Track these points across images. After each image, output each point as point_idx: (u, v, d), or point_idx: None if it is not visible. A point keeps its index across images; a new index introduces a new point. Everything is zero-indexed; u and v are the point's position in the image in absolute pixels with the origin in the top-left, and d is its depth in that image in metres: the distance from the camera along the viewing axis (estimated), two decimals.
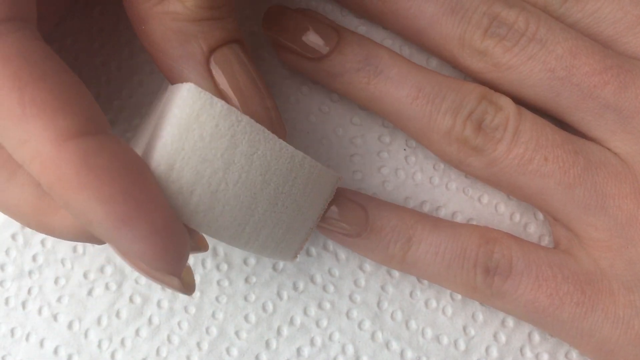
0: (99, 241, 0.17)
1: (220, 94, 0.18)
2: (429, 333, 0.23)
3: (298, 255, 0.21)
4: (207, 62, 0.18)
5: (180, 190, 0.16)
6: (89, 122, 0.15)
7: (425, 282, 0.23)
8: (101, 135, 0.15)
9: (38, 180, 0.15)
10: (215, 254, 0.23)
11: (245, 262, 0.23)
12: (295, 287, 0.23)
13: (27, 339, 0.23)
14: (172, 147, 0.16)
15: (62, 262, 0.23)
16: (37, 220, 0.17)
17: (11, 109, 0.14)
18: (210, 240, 0.23)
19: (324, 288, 0.23)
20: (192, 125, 0.16)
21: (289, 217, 0.19)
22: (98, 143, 0.14)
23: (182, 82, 0.18)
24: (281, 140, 0.18)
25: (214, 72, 0.18)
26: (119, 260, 0.23)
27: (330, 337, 0.23)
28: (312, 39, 0.22)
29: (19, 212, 0.17)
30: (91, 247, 0.23)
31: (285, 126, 0.19)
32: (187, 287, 0.17)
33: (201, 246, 0.19)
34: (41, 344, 0.23)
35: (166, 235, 0.15)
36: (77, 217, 0.15)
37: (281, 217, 0.19)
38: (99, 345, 0.23)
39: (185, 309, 0.23)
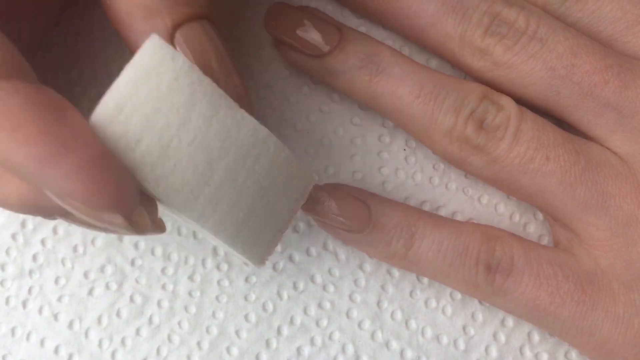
0: (47, 211, 0.17)
1: None
2: (429, 332, 0.23)
3: (266, 261, 0.20)
4: (172, 38, 0.17)
5: (126, 135, 0.16)
6: (1, 66, 0.14)
7: (425, 281, 0.23)
8: (16, 79, 0.15)
9: None
10: (215, 254, 0.24)
11: (245, 262, 0.23)
12: (295, 287, 0.23)
13: (27, 338, 0.23)
14: (124, 90, 0.16)
15: (63, 261, 0.23)
16: None
17: None
18: (210, 242, 0.23)
19: (324, 288, 0.23)
20: (150, 74, 0.16)
21: (252, 200, 0.18)
22: (11, 87, 0.14)
23: None
24: (244, 111, 0.17)
25: (178, 47, 0.17)
26: (119, 260, 0.23)
27: (330, 337, 0.23)
28: (314, 36, 0.22)
29: None
30: (92, 247, 0.23)
31: (252, 107, 0.19)
32: (137, 227, 0.16)
33: (157, 225, 0.18)
34: (42, 343, 0.23)
35: (97, 170, 0.14)
36: (3, 166, 0.15)
37: (242, 196, 0.18)
38: (100, 345, 0.23)
39: (186, 308, 0.23)
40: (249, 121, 0.17)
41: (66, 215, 0.17)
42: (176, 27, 0.17)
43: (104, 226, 0.16)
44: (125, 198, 0.15)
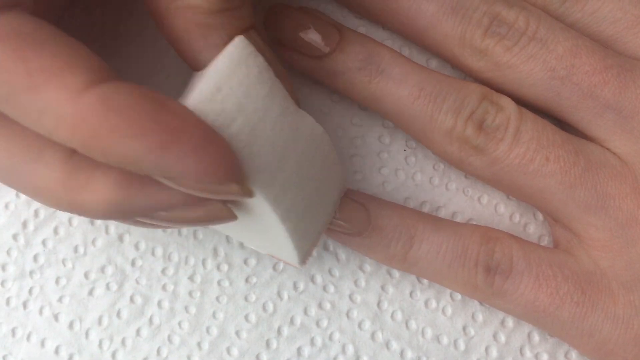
0: (130, 215, 0.17)
1: None
2: (429, 333, 0.23)
3: (307, 261, 0.21)
4: None
5: (223, 113, 0.17)
6: (97, 72, 0.15)
7: (425, 282, 0.23)
8: (112, 80, 0.15)
9: (70, 145, 0.15)
10: (215, 254, 0.24)
11: (245, 262, 0.24)
12: (295, 287, 0.23)
13: (28, 338, 0.23)
14: (221, 74, 0.17)
15: (63, 262, 0.23)
16: (68, 198, 0.17)
17: (21, 83, 0.14)
18: (210, 241, 0.24)
19: (324, 288, 0.23)
20: (241, 63, 0.17)
21: (309, 194, 0.19)
22: (112, 86, 0.15)
23: None
24: (302, 110, 0.19)
25: None
26: (120, 260, 0.23)
27: (330, 337, 0.23)
28: (314, 37, 0.22)
29: (49, 193, 0.17)
30: (92, 247, 0.24)
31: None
32: (247, 191, 0.17)
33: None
34: (42, 343, 0.23)
35: (210, 148, 0.15)
36: (121, 164, 0.15)
37: (304, 187, 0.19)
38: (100, 345, 0.23)
39: (186, 308, 0.23)
40: (309, 118, 0.19)
41: (151, 215, 0.17)
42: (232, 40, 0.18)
43: (219, 197, 0.16)
44: (236, 166, 0.16)
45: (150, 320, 0.23)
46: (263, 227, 0.20)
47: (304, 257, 0.20)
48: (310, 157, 0.19)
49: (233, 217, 0.18)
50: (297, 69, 0.23)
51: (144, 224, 0.18)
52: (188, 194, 0.16)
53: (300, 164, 0.19)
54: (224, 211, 0.17)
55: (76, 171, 0.16)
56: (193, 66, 0.18)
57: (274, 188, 0.18)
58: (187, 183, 0.15)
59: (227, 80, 0.17)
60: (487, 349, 0.23)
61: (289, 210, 0.19)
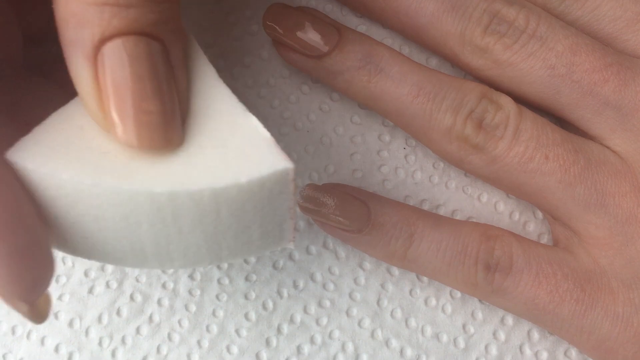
0: None
1: (98, 88, 0.16)
2: (429, 331, 0.23)
3: (292, 240, 0.18)
4: (95, 52, 0.16)
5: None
6: None
7: (425, 280, 0.23)
8: None
9: None
10: None
11: (245, 260, 0.24)
12: (295, 285, 0.23)
13: (28, 336, 0.23)
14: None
15: (63, 260, 0.23)
16: None
17: None
18: None
19: (324, 286, 0.23)
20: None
21: (237, 236, 0.17)
22: None
23: (69, 69, 0.16)
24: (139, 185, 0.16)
25: (99, 63, 0.16)
26: None
27: (330, 335, 0.23)
28: (313, 37, 0.22)
29: None
30: None
31: (180, 131, 0.17)
32: (38, 315, 0.16)
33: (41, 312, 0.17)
34: (42, 341, 0.23)
35: (19, 261, 0.14)
36: None
37: (221, 245, 0.17)
38: (100, 343, 0.23)
39: (186, 307, 0.23)
40: (146, 195, 0.16)
41: None
42: (104, 40, 0.15)
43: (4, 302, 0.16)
44: (37, 291, 0.15)
45: (150, 318, 0.23)
46: None
47: (277, 245, 0.18)
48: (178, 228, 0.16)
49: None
50: (296, 68, 0.23)
51: None
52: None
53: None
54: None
55: None
56: (66, 60, 0.16)
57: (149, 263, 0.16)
58: None
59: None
60: (486, 347, 0.23)
61: (204, 259, 0.17)
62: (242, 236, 0.17)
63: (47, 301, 0.17)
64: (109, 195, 0.15)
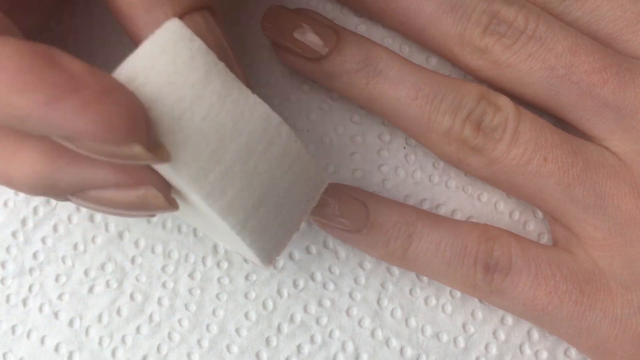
0: (57, 193, 0.16)
1: None
2: (429, 330, 0.23)
3: (273, 262, 0.19)
4: None
5: None
6: None
7: (425, 279, 0.23)
8: (2, 35, 0.14)
9: None
10: (215, 251, 0.24)
11: (245, 259, 0.24)
12: (295, 285, 0.23)
13: (28, 336, 0.23)
14: (140, 62, 0.16)
15: (63, 259, 0.23)
16: None
17: None
18: (210, 238, 0.24)
19: (324, 286, 0.24)
20: (166, 48, 0.16)
21: (262, 189, 0.18)
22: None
23: None
24: (256, 96, 0.17)
25: None
26: (119, 257, 0.23)
27: (330, 335, 0.23)
28: (311, 39, 0.22)
29: None
30: (92, 245, 0.24)
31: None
32: (160, 155, 0.16)
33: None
34: (42, 341, 0.23)
35: (103, 105, 0.14)
36: (9, 123, 0.14)
37: (252, 182, 0.17)
38: (100, 343, 0.23)
39: (186, 306, 0.23)
40: (262, 106, 0.17)
41: (81, 192, 0.17)
42: (179, 18, 0.17)
43: (115, 160, 0.15)
44: (139, 125, 0.15)
45: (150, 318, 0.23)
46: (214, 223, 0.19)
47: (266, 257, 0.19)
48: (262, 148, 0.17)
49: (171, 208, 0.17)
50: (295, 70, 0.23)
51: (84, 206, 0.18)
52: (119, 174, 0.16)
53: (247, 155, 0.17)
54: (158, 199, 0.16)
55: (3, 140, 0.16)
56: (136, 44, 0.17)
57: (207, 183, 0.17)
58: (82, 144, 0.15)
59: (145, 68, 0.16)
60: (486, 346, 0.23)
61: (231, 205, 0.17)
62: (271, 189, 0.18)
63: (157, 194, 0.17)
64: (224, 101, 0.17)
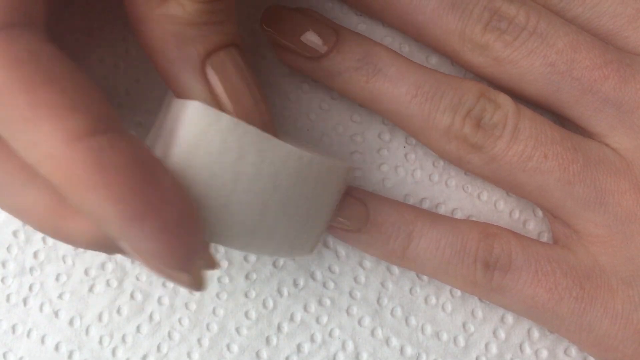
0: (112, 250, 0.17)
1: (214, 97, 0.18)
2: (429, 329, 0.23)
3: (315, 249, 0.21)
4: (203, 66, 0.18)
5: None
6: (99, 121, 0.15)
7: (425, 278, 0.23)
8: (112, 133, 0.15)
9: (50, 180, 0.14)
10: (215, 251, 0.24)
11: (245, 259, 0.24)
12: (295, 284, 0.23)
13: (28, 335, 0.23)
14: (180, 165, 0.16)
15: (63, 259, 0.24)
16: (53, 224, 0.16)
17: (21, 112, 0.14)
18: None
19: (324, 285, 0.23)
20: (199, 143, 0.16)
21: (302, 217, 0.19)
22: (109, 141, 0.14)
23: (177, 84, 0.18)
24: (288, 145, 0.18)
25: (209, 75, 0.18)
26: (119, 257, 0.24)
27: (330, 334, 0.23)
28: (311, 38, 0.22)
29: (35, 216, 0.17)
30: None
31: (275, 129, 0.19)
32: (197, 283, 0.17)
33: (211, 264, 0.19)
34: (42, 340, 0.23)
35: (178, 233, 0.15)
36: (89, 216, 0.15)
37: (293, 218, 0.19)
38: (100, 342, 0.23)
39: (186, 305, 0.23)
40: (294, 154, 0.18)
41: (130, 257, 0.17)
42: (208, 55, 0.18)
43: (164, 277, 0.16)
44: (195, 259, 0.16)
45: (151, 317, 0.23)
46: None
47: (309, 250, 0.21)
48: (299, 189, 0.18)
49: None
50: (294, 69, 0.23)
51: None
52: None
53: (287, 202, 0.18)
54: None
55: (64, 200, 0.16)
56: (164, 77, 0.18)
57: (255, 242, 0.18)
58: (141, 257, 0.15)
59: (187, 169, 0.16)
60: (486, 345, 0.23)
61: (279, 246, 0.19)
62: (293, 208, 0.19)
63: (212, 262, 0.18)
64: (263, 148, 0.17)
